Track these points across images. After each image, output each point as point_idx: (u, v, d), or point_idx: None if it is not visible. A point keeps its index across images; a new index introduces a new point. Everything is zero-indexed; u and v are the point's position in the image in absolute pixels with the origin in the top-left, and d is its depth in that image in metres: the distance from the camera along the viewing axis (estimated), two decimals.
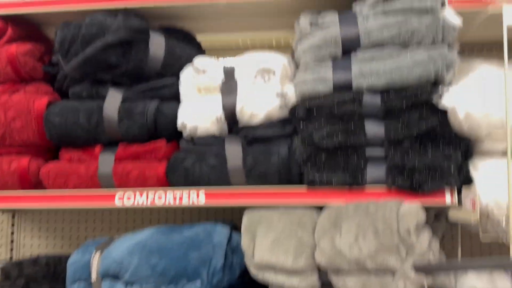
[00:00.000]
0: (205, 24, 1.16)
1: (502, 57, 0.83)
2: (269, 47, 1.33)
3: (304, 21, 0.95)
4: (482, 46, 1.26)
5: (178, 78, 1.06)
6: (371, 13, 0.92)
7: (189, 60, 1.07)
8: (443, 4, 0.90)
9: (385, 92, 0.89)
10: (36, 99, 1.04)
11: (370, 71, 0.89)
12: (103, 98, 1.05)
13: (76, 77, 1.04)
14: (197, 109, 1.00)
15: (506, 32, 0.83)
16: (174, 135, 1.04)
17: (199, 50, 1.14)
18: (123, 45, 0.99)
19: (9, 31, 1.06)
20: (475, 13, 0.96)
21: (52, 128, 1.02)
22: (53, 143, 1.06)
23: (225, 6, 1.04)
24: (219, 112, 1.00)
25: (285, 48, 1.35)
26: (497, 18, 0.86)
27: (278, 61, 1.02)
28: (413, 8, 0.89)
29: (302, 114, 0.93)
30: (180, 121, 1.00)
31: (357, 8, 0.95)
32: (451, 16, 0.89)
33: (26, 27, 1.11)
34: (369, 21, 0.92)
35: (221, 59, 1.06)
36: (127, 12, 1.02)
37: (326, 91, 0.91)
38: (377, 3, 0.92)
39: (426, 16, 0.89)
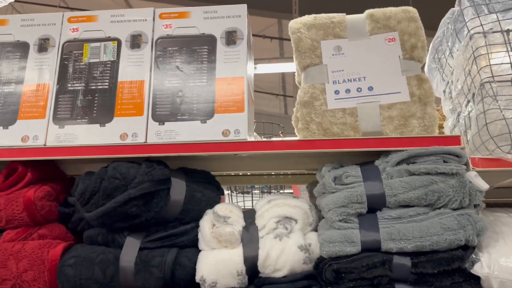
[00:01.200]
0: (223, 164, 1.17)
1: None
2: (285, 180, 1.34)
3: (327, 176, 0.96)
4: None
5: (197, 222, 1.04)
6: (395, 171, 0.93)
7: (209, 203, 1.06)
8: (466, 166, 0.91)
9: (415, 256, 0.87)
10: (51, 248, 1.01)
11: (399, 234, 0.88)
12: (119, 245, 1.02)
13: (95, 225, 1.01)
14: (217, 263, 0.97)
15: None
16: (191, 286, 1.00)
17: (218, 190, 1.13)
18: (145, 196, 0.98)
19: (28, 176, 1.05)
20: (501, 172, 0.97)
21: (65, 282, 0.97)
22: None
23: (246, 155, 1.05)
24: (240, 266, 0.96)
25: (300, 177, 1.36)
26: None
27: (300, 209, 1.01)
28: (438, 172, 0.90)
29: (329, 276, 0.90)
30: (199, 275, 0.96)
31: (379, 165, 0.96)
32: (477, 180, 0.89)
33: (44, 166, 1.11)
34: (394, 180, 0.92)
35: (240, 204, 1.06)
36: (150, 161, 1.03)
37: (354, 252, 0.89)
38: (400, 162, 0.94)
39: (452, 180, 0.89)
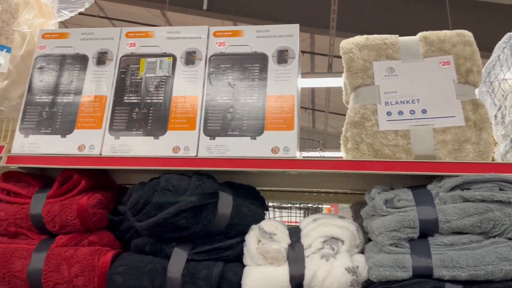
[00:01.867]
0: (266, 180, 1.18)
1: None
2: (327, 198, 1.33)
3: (378, 199, 0.95)
4: None
5: (242, 237, 1.05)
6: (448, 197, 0.92)
7: (255, 219, 1.07)
8: None
9: (468, 285, 0.85)
10: (101, 254, 1.03)
11: (452, 262, 0.86)
12: (166, 256, 1.03)
13: (145, 235, 1.04)
14: (262, 280, 0.97)
15: None
16: None
17: (263, 206, 1.14)
18: (195, 209, 1.00)
19: (82, 183, 1.09)
20: None
21: None
22: None
23: (295, 174, 1.06)
24: (286, 284, 0.96)
25: (342, 196, 1.35)
26: None
27: (347, 230, 1.01)
28: (494, 200, 0.88)
29: None
30: None
31: (432, 189, 0.95)
32: None
33: (97, 175, 1.14)
34: (447, 205, 0.91)
35: (284, 223, 1.06)
36: (200, 174, 1.05)
37: (405, 277, 0.88)
38: (455, 188, 0.92)
39: (508, 208, 0.87)
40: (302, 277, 0.96)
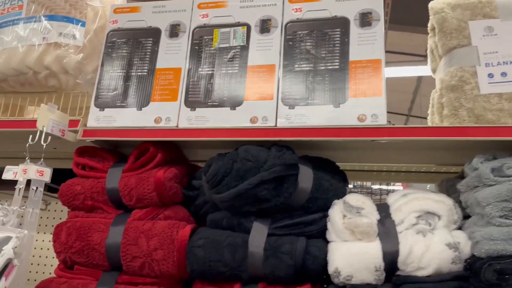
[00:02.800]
0: (349, 154, 1.11)
1: None
2: (406, 178, 1.24)
3: (483, 167, 0.86)
4: None
5: (325, 212, 0.98)
6: None
7: (336, 194, 1.00)
8: None
9: None
10: (179, 228, 1.00)
11: None
12: (245, 230, 0.99)
13: (224, 207, 0.99)
14: (352, 256, 0.90)
15: None
16: (318, 278, 0.94)
17: (345, 182, 1.07)
18: (276, 180, 0.95)
19: (159, 156, 1.06)
20: None
21: (194, 262, 0.96)
22: (189, 275, 0.99)
23: (378, 147, 0.98)
24: (378, 261, 0.89)
25: (424, 175, 1.25)
26: None
27: (444, 204, 0.92)
28: None
29: (490, 277, 0.79)
30: (332, 267, 0.90)
31: None
32: None
33: (170, 149, 1.12)
34: None
35: (369, 198, 0.98)
36: (278, 145, 0.99)
37: None
38: None
39: None
40: (396, 253, 0.88)
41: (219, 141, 1.04)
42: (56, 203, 1.53)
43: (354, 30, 1.03)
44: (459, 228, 0.93)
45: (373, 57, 0.99)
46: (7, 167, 1.04)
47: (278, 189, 0.96)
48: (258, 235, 0.96)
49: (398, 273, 0.89)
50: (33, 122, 1.01)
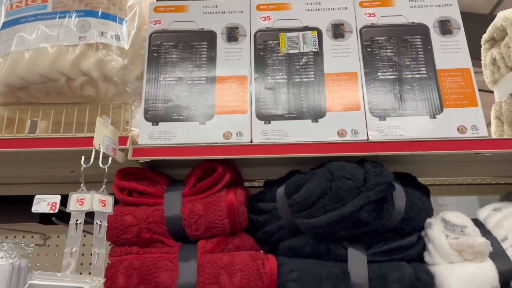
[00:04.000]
0: (426, 168, 1.05)
1: None
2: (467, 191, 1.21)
3: None
4: None
5: (419, 233, 0.91)
6: None
7: (428, 212, 0.94)
8: None
9: None
10: (263, 260, 0.86)
11: None
12: (335, 258, 0.88)
13: (314, 233, 0.87)
14: (469, 279, 0.83)
15: None
16: None
17: (429, 198, 1.00)
18: (377, 201, 0.85)
19: (227, 177, 0.92)
20: None
21: None
22: None
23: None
24: (495, 282, 0.83)
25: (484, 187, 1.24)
26: None
27: None
28: None
29: None
30: None
31: None
32: None
33: (232, 169, 0.98)
34: None
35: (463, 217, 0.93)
36: (370, 161, 0.90)
37: None
38: None
39: None
40: (510, 272, 0.83)
41: (296, 158, 0.93)
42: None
43: (435, 37, 0.98)
44: None
45: (460, 66, 0.95)
46: (38, 197, 0.83)
47: (379, 210, 0.86)
48: (358, 263, 0.86)
49: None
50: (83, 140, 0.81)
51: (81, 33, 0.91)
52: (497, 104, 1.10)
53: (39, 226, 1.19)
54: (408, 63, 0.96)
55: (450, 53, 0.96)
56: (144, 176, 0.96)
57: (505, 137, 1.02)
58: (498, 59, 1.08)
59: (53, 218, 0.90)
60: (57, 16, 0.92)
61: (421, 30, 0.99)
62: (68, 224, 0.75)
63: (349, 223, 0.85)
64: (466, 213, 0.91)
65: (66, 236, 1.30)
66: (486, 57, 1.14)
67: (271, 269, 0.85)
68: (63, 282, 0.68)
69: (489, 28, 1.11)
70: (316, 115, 0.93)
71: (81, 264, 1.33)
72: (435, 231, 0.89)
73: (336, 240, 0.89)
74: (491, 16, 3.96)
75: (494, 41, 1.11)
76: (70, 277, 0.69)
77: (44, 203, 0.83)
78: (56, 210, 0.82)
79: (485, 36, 1.13)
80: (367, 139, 0.90)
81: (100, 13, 0.93)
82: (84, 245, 1.31)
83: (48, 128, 0.96)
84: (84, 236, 1.22)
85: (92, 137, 0.80)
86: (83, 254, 1.30)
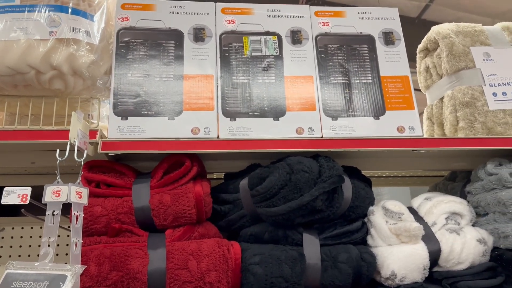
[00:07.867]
0: (369, 162, 1.19)
1: None
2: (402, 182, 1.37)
3: (503, 172, 1.01)
4: None
5: (363, 220, 1.04)
6: None
7: (371, 201, 1.07)
8: None
9: None
10: (228, 246, 0.94)
11: None
12: (292, 242, 0.98)
13: (274, 220, 0.97)
14: (406, 258, 0.97)
15: None
16: (369, 283, 0.99)
17: (371, 189, 1.13)
18: (330, 191, 0.97)
19: (194, 170, 0.98)
20: None
21: (253, 281, 0.91)
22: None
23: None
24: (426, 260, 0.98)
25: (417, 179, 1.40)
26: None
27: (465, 205, 1.06)
28: None
29: None
30: (389, 270, 0.96)
31: None
32: None
33: (198, 162, 1.04)
34: None
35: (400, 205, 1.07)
36: (323, 156, 1.01)
37: None
38: None
39: None
40: (438, 252, 0.98)
41: (258, 152, 1.01)
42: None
43: (380, 47, 1.11)
44: (473, 225, 1.08)
45: (400, 73, 1.09)
46: (7, 189, 0.84)
47: (331, 199, 0.98)
48: (312, 246, 0.97)
49: (436, 269, 1.00)
50: (58, 133, 0.84)
51: (52, 27, 0.92)
52: (429, 107, 1.26)
53: None
54: (356, 69, 1.08)
55: (392, 61, 1.09)
56: (112, 169, 0.99)
57: (436, 136, 1.17)
58: (431, 67, 1.23)
59: (22, 210, 0.91)
60: (26, 10, 0.92)
61: (368, 40, 1.11)
62: (36, 216, 0.78)
63: (305, 211, 0.95)
64: (400, 201, 1.05)
65: (22, 228, 1.30)
66: (420, 65, 1.29)
67: (235, 253, 0.93)
68: (43, 271, 0.71)
69: (424, 39, 1.26)
70: (277, 114, 1.02)
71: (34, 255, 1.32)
72: (377, 217, 1.02)
73: (292, 227, 0.99)
74: (419, 20, 4.27)
75: (427, 51, 1.27)
76: (50, 266, 0.72)
77: (14, 195, 0.84)
78: (27, 202, 0.83)
79: (420, 46, 1.29)
80: (322, 137, 1.01)
81: (70, 9, 0.95)
82: (40, 236, 1.30)
83: (13, 120, 0.96)
84: (41, 227, 1.23)
85: (61, 131, 0.83)
86: (38, 245, 1.29)
